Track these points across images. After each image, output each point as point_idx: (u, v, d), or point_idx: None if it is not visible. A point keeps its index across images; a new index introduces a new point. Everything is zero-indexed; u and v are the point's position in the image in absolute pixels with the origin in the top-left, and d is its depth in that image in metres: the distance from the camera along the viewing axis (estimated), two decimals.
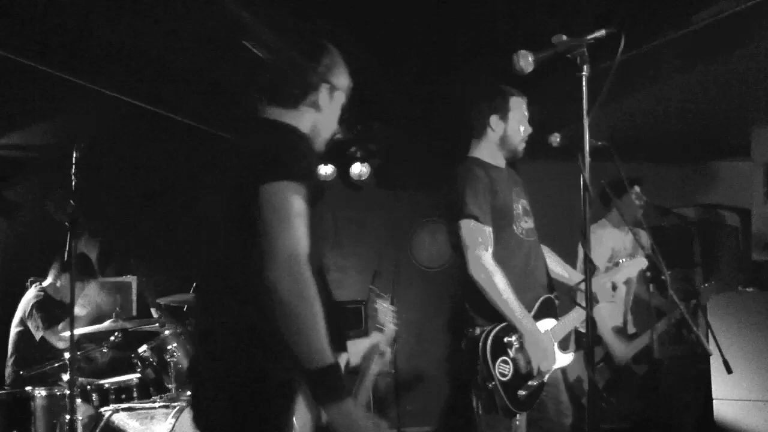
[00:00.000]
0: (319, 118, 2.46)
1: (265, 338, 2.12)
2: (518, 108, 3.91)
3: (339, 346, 2.37)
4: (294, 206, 2.09)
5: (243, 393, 2.16)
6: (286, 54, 2.47)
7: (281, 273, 2.02)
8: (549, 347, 3.64)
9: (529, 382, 3.59)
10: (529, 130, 3.92)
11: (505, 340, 3.58)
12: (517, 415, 3.55)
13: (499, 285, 3.58)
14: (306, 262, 2.06)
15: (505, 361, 3.55)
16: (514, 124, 3.89)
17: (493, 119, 3.88)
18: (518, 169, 4.07)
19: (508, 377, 3.54)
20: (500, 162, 3.96)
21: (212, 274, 2.35)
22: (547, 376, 3.68)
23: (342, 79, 2.51)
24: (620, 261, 4.19)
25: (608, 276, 3.99)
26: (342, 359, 2.37)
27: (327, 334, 2.05)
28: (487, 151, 3.94)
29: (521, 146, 3.93)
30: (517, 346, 3.60)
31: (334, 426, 2.06)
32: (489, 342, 3.54)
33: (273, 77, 2.45)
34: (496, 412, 3.56)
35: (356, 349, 2.77)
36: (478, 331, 3.61)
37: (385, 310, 3.07)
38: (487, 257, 3.61)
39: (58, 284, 5.88)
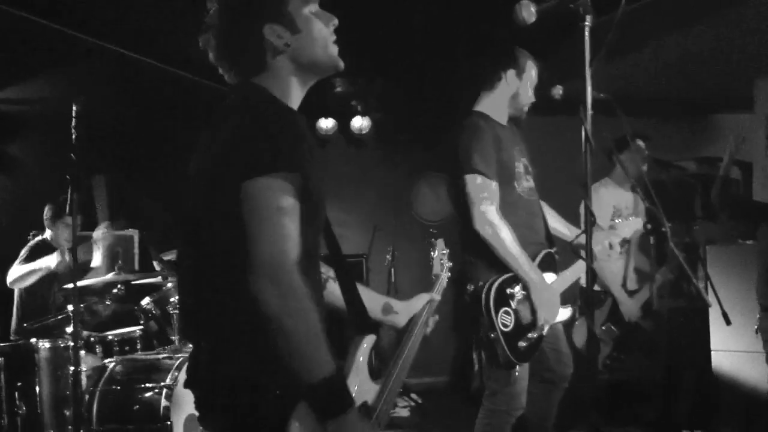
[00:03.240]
0: (295, 54, 2.09)
1: (253, 349, 1.89)
2: (531, 71, 3.93)
3: (367, 328, 2.26)
4: (281, 204, 1.83)
5: (236, 403, 1.94)
6: (214, 26, 2.10)
7: (264, 282, 1.78)
8: (554, 299, 3.67)
9: (529, 334, 3.62)
10: (533, 98, 3.96)
11: (508, 291, 3.60)
12: (517, 367, 3.59)
13: (505, 239, 3.59)
14: (293, 269, 1.82)
15: (507, 312, 3.58)
16: (527, 85, 3.92)
17: (510, 73, 3.89)
18: (520, 123, 4.07)
19: (509, 328, 3.57)
20: (504, 119, 3.96)
21: (195, 270, 2.06)
22: (546, 329, 3.70)
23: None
24: (617, 221, 4.19)
25: (604, 235, 4.01)
26: (368, 341, 2.22)
27: (325, 341, 1.84)
28: (494, 106, 3.93)
29: (526, 108, 3.97)
30: (519, 297, 3.63)
31: None
32: (492, 293, 3.56)
33: (216, 56, 2.12)
34: (497, 364, 3.60)
35: (407, 310, 2.64)
36: (481, 284, 3.63)
37: (438, 258, 2.98)
38: (492, 212, 3.62)
39: (48, 235, 5.87)
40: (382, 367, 2.35)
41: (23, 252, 5.75)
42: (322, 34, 2.12)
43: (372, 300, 2.41)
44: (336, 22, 2.16)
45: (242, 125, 1.93)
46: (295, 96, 2.13)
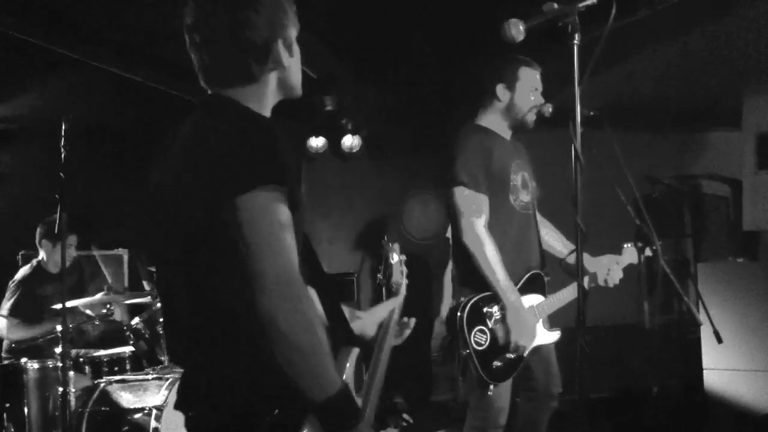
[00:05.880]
0: (285, 74, 2.14)
1: (253, 378, 1.89)
2: (528, 78, 3.85)
3: (349, 341, 2.25)
4: (279, 218, 1.82)
5: (233, 427, 1.92)
6: (215, 28, 2.05)
7: (276, 300, 1.75)
8: (529, 323, 3.64)
9: (507, 355, 3.60)
10: (540, 101, 3.86)
11: (485, 309, 3.58)
12: (491, 386, 3.56)
13: (488, 254, 3.57)
14: (300, 281, 1.82)
15: (482, 331, 3.56)
16: (522, 93, 3.83)
17: (500, 88, 3.84)
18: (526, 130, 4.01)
19: (484, 347, 3.54)
20: (505, 132, 3.93)
21: (183, 297, 2.01)
22: (526, 353, 3.68)
23: (291, 24, 2.15)
24: (624, 246, 4.14)
25: (607, 261, 3.97)
26: (353, 355, 2.21)
27: (331, 356, 1.85)
28: (493, 121, 3.90)
29: (530, 117, 3.84)
30: (497, 317, 3.60)
31: None
32: (467, 310, 3.55)
33: (209, 60, 2.08)
34: (470, 381, 3.58)
35: (372, 318, 2.59)
36: (462, 299, 3.62)
37: (397, 265, 2.90)
38: (480, 225, 3.60)
39: (44, 256, 5.81)
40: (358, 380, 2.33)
41: (11, 286, 5.67)
42: (299, 61, 2.20)
43: None
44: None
45: (228, 139, 1.89)
46: (267, 112, 2.13)
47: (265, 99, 2.12)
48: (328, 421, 1.83)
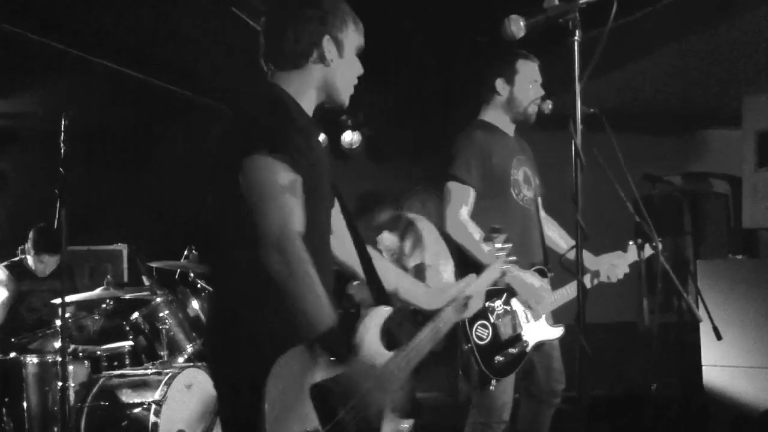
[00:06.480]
0: (329, 72, 2.39)
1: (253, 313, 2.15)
2: (527, 70, 3.87)
3: (381, 300, 2.44)
4: (280, 180, 2.07)
5: (228, 360, 2.22)
6: (276, 15, 2.43)
7: (270, 251, 2.01)
8: (536, 283, 3.65)
9: (510, 349, 3.59)
10: (540, 93, 3.88)
11: (487, 304, 3.56)
12: (492, 381, 3.55)
13: (476, 236, 3.56)
14: (296, 237, 2.06)
15: (484, 325, 3.55)
16: (522, 86, 3.85)
17: (499, 82, 3.86)
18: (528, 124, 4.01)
19: (485, 341, 3.54)
20: (507, 127, 3.94)
21: (208, 246, 2.42)
22: (530, 347, 3.68)
23: (348, 30, 2.44)
24: (630, 243, 4.12)
25: (609, 258, 3.95)
26: (380, 314, 2.38)
27: (325, 301, 2.07)
28: (495, 116, 3.92)
29: (531, 109, 3.86)
30: (499, 311, 3.60)
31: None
32: None
33: (267, 41, 2.41)
34: (471, 376, 3.57)
35: (445, 294, 2.70)
36: None
37: (493, 251, 2.91)
38: (463, 213, 3.62)
39: (29, 260, 5.83)
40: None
41: None
42: (354, 73, 2.47)
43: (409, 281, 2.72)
44: (361, 72, 2.50)
45: (242, 114, 2.27)
46: (308, 102, 2.42)
47: (307, 88, 2.40)
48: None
